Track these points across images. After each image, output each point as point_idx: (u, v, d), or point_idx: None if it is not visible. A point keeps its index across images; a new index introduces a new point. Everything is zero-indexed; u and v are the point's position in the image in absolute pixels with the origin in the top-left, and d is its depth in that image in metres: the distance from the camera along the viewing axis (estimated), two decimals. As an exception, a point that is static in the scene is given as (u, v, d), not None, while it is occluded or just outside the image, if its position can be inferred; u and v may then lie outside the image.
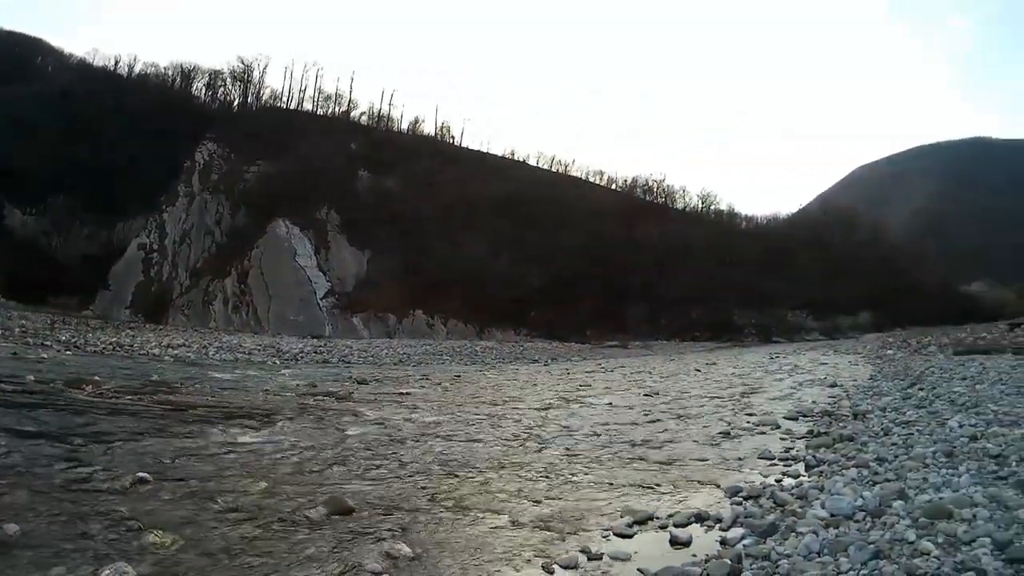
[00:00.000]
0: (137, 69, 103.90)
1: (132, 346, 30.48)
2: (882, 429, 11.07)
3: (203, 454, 9.60)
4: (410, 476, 9.07)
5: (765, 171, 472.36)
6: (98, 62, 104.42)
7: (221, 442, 10.60)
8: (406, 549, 6.19)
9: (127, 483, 7.58)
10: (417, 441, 11.58)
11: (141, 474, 7.90)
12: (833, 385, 19.86)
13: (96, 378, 16.71)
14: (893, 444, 9.70)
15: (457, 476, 9.17)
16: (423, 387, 21.40)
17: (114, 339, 33.58)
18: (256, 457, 9.71)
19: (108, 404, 13.56)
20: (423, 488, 8.45)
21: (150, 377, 19.35)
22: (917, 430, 10.50)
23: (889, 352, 33.50)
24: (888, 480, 7.66)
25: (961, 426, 10.17)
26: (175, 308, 62.71)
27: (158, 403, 14.15)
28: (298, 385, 20.20)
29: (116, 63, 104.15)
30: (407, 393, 19.27)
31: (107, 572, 4.87)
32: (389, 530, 6.74)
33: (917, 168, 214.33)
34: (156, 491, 7.48)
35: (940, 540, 5.50)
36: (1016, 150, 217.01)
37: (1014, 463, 7.59)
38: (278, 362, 29.85)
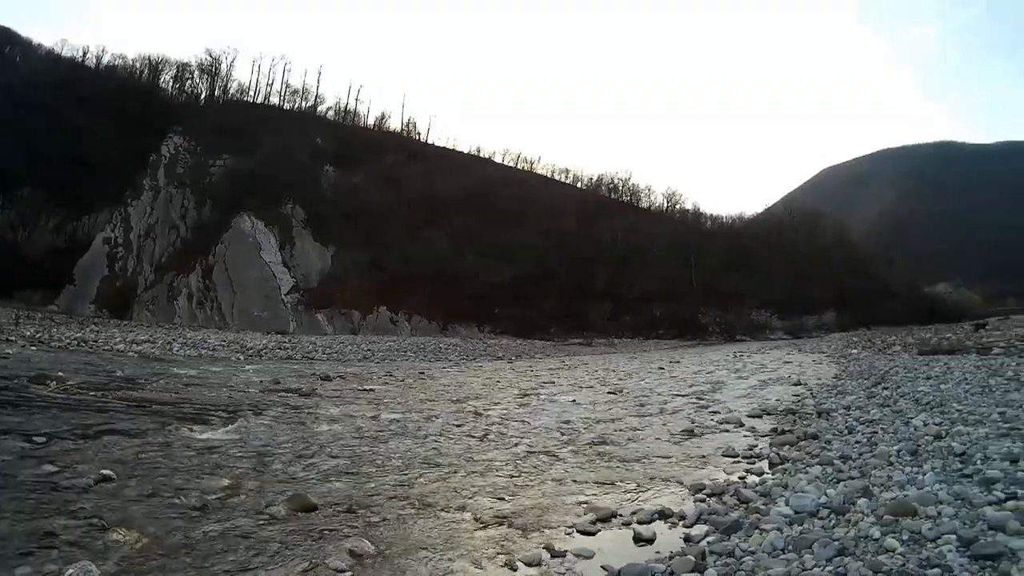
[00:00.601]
0: (105, 61, 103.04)
1: (97, 342, 30.13)
2: (846, 427, 11.10)
3: (166, 451, 9.47)
4: (373, 473, 8.97)
5: (731, 171, 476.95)
6: (66, 53, 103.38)
7: (184, 439, 10.46)
8: (370, 547, 6.12)
9: (91, 481, 7.46)
10: (380, 438, 11.48)
11: (105, 471, 7.78)
12: (797, 384, 19.96)
13: (60, 374, 16.44)
14: (857, 442, 9.70)
15: (420, 473, 9.07)
16: (387, 384, 21.29)
17: (79, 334, 33.14)
18: (219, 454, 9.58)
19: (72, 401, 13.36)
20: (386, 485, 8.35)
21: (114, 373, 19.10)
22: (881, 428, 10.51)
23: (854, 352, 33.75)
24: (852, 478, 7.65)
25: (926, 424, 10.18)
26: (140, 303, 62.07)
27: (122, 399, 13.94)
28: (262, 381, 20.02)
29: (84, 54, 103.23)
30: (371, 390, 19.16)
31: (72, 571, 4.75)
32: (353, 527, 6.65)
33: (882, 171, 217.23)
34: (120, 488, 7.36)
35: (905, 537, 5.47)
36: (981, 154, 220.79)
37: (979, 461, 7.58)
38: (242, 358, 29.62)
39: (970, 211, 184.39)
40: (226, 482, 7.97)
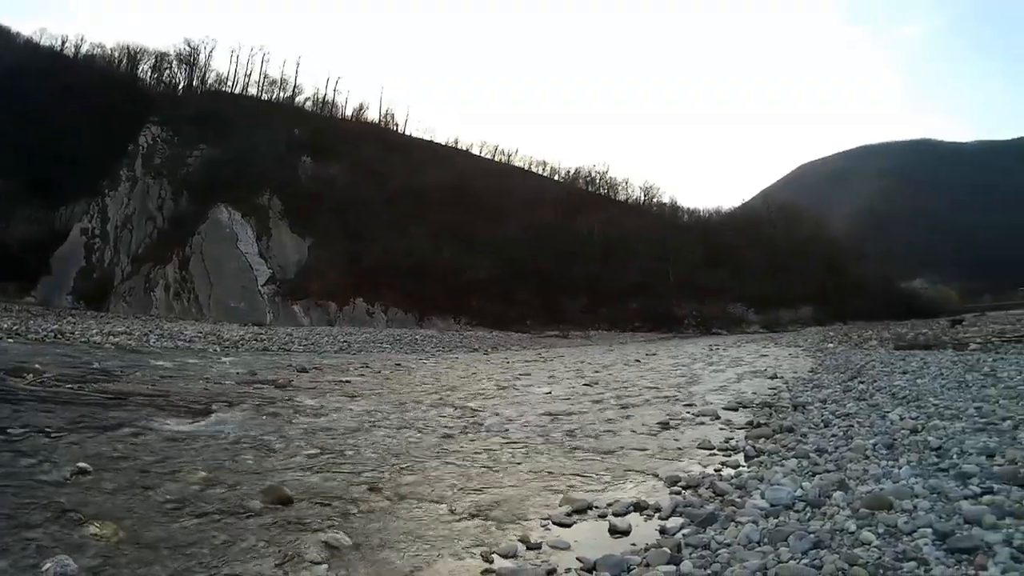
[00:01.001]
0: (84, 50, 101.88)
1: (74, 333, 29.91)
2: (822, 421, 11.12)
3: (143, 443, 9.37)
4: (349, 465, 8.92)
5: (710, 166, 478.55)
6: (45, 42, 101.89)
7: (161, 431, 10.34)
8: (345, 539, 6.07)
9: (68, 474, 7.38)
10: (356, 430, 11.42)
11: (82, 464, 7.69)
12: (773, 377, 20.02)
13: (37, 366, 16.25)
14: (833, 436, 9.72)
15: (396, 465, 9.02)
16: (363, 375, 21.23)
17: (55, 326, 32.90)
18: (195, 446, 9.49)
19: (49, 393, 13.19)
20: (362, 477, 8.31)
21: (91, 365, 18.94)
22: (857, 422, 10.54)
23: (830, 346, 33.94)
24: (828, 471, 7.65)
25: (902, 419, 10.21)
26: (117, 295, 61.56)
27: (99, 392, 13.81)
28: (238, 373, 19.92)
29: (63, 44, 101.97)
30: (347, 381, 19.10)
31: (49, 565, 4.68)
32: (328, 520, 6.61)
33: (861, 168, 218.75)
34: (97, 482, 7.28)
35: (881, 530, 5.46)
36: (960, 153, 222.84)
37: (955, 456, 7.60)
38: (218, 349, 29.48)
39: (947, 209, 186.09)
40: (202, 474, 7.89)
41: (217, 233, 62.71)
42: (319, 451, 9.65)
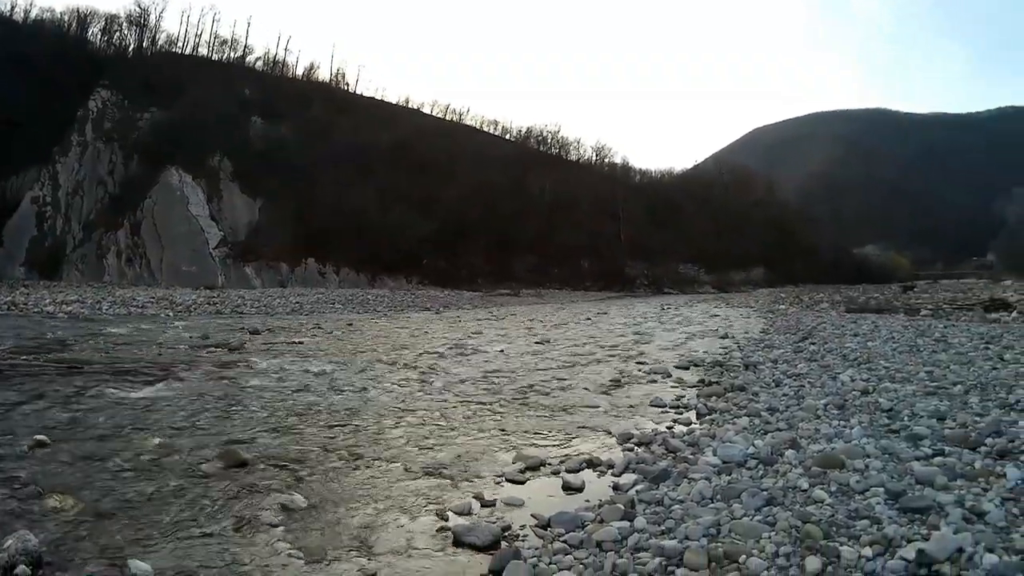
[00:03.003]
0: (33, 15, 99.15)
1: (27, 304, 29.47)
2: (773, 380, 11.23)
3: (99, 412, 9.22)
4: (304, 426, 8.86)
5: (662, 127, 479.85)
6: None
7: (116, 398, 10.22)
8: (301, 500, 6.02)
9: (26, 447, 7.27)
10: (310, 390, 11.35)
11: (39, 437, 7.57)
12: (725, 337, 20.19)
13: (-9, 340, 16.07)
14: (784, 395, 9.81)
15: (350, 425, 8.97)
16: (315, 336, 21.09)
17: (8, 298, 32.32)
18: (150, 412, 9.37)
19: (4, 366, 13.04)
20: (317, 438, 8.26)
21: (45, 336, 18.74)
22: (808, 382, 10.65)
23: (781, 307, 34.36)
24: (780, 429, 7.71)
25: (853, 380, 10.33)
26: (69, 263, 60.15)
27: (53, 362, 13.65)
28: (191, 337, 19.68)
29: (12, 9, 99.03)
30: (300, 342, 18.96)
31: (10, 541, 4.53)
32: (284, 481, 6.55)
33: (814, 133, 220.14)
34: (55, 453, 7.19)
35: (833, 489, 5.49)
36: (916, 124, 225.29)
37: (906, 418, 7.69)
38: (171, 315, 29.17)
39: (900, 178, 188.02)
40: (158, 440, 7.81)
41: (168, 197, 61.41)
42: (273, 413, 9.57)
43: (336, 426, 8.89)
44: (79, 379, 11.76)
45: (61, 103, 68.82)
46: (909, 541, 4.25)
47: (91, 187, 64.83)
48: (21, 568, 4.28)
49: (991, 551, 3.98)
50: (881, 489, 5.29)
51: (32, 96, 69.97)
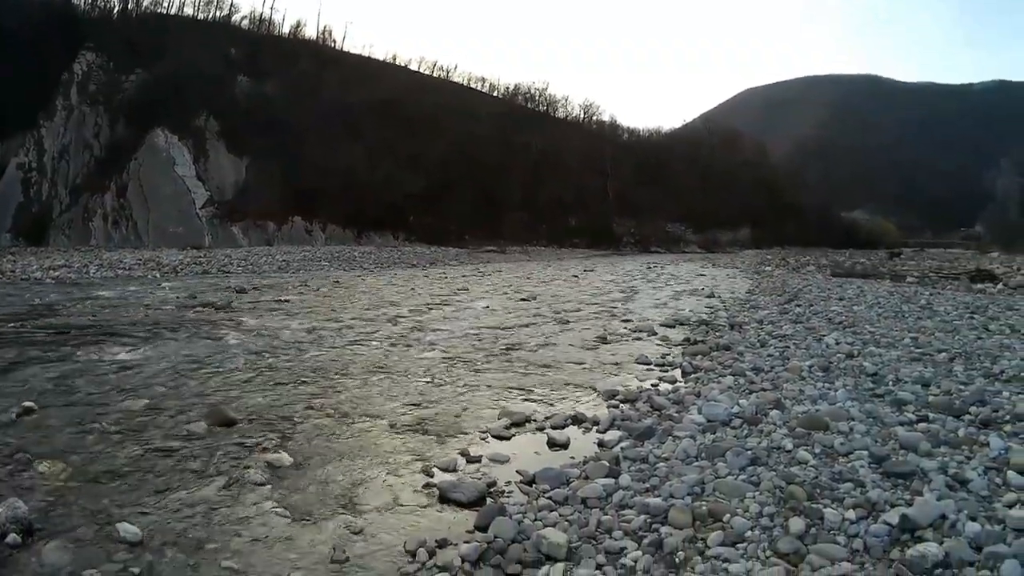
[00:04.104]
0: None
1: (14, 271, 29.11)
2: (759, 341, 11.26)
3: (86, 376, 9.13)
4: (290, 384, 8.83)
5: (650, 86, 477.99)
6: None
7: (104, 362, 10.10)
8: (287, 458, 6.01)
9: (14, 415, 7.17)
10: (297, 348, 11.31)
11: (27, 403, 7.48)
12: (711, 296, 20.25)
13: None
14: (769, 355, 9.84)
15: (337, 382, 8.97)
16: (302, 294, 20.98)
17: (-6, 266, 32.18)
18: (138, 374, 9.28)
19: None
20: (304, 396, 8.23)
21: (32, 302, 18.48)
22: (793, 344, 10.69)
23: (767, 268, 34.47)
24: (765, 390, 7.74)
25: (838, 343, 10.39)
26: (56, 228, 59.45)
27: (40, 328, 13.50)
28: (178, 298, 19.45)
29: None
30: (286, 300, 18.84)
31: (0, 510, 4.51)
32: (270, 440, 6.52)
33: (805, 96, 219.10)
34: (43, 419, 7.12)
35: (817, 451, 5.53)
36: (907, 92, 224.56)
37: (890, 383, 7.73)
38: (158, 276, 28.91)
39: (891, 145, 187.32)
40: (145, 402, 7.76)
41: (154, 158, 60.72)
42: (260, 372, 9.53)
43: (322, 384, 8.88)
44: (67, 344, 11.66)
45: (46, 68, 67.93)
46: (892, 506, 4.29)
47: (77, 151, 64.10)
48: (12, 536, 4.27)
49: (974, 519, 4.02)
50: (865, 452, 5.34)
51: (16, 61, 68.91)
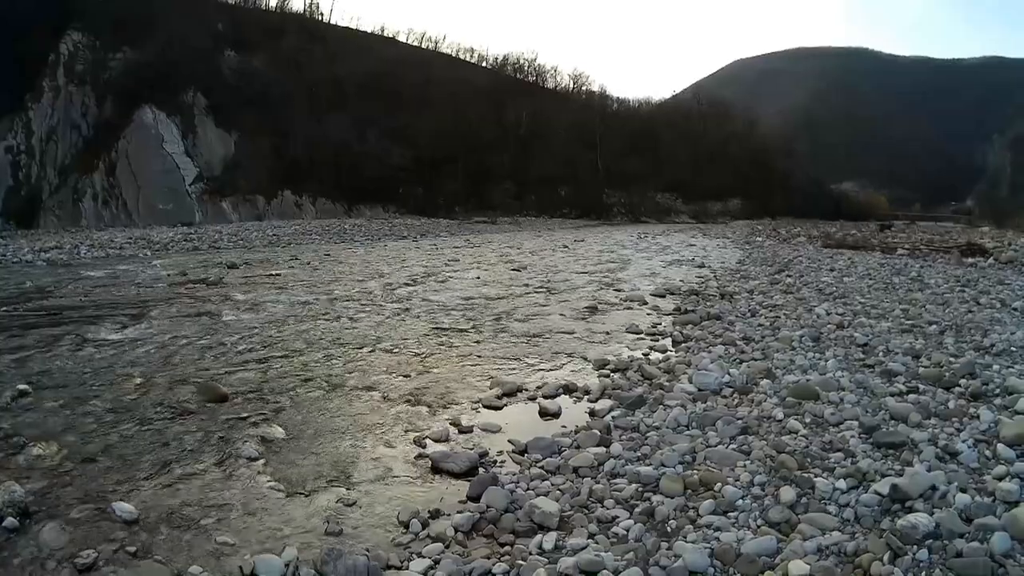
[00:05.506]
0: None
1: (5, 255, 28.95)
2: (749, 310, 11.28)
3: (79, 357, 9.07)
4: (283, 358, 8.80)
5: (640, 56, 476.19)
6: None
7: (96, 342, 10.01)
8: (280, 432, 6.02)
9: (8, 398, 7.12)
10: (288, 322, 11.25)
11: (21, 386, 7.42)
12: (701, 266, 20.25)
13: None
14: (760, 325, 9.87)
15: (328, 355, 8.95)
16: (293, 268, 20.85)
17: (-16, 250, 31.97)
18: (131, 353, 9.23)
19: None
20: (295, 369, 8.22)
21: (24, 284, 18.36)
22: (784, 314, 10.70)
23: (758, 239, 34.47)
24: (755, 359, 7.77)
25: (828, 314, 10.41)
26: (46, 210, 59.04)
27: (33, 311, 13.34)
28: (169, 275, 19.31)
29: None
30: (278, 274, 18.69)
31: None
32: (263, 414, 6.53)
33: (796, 68, 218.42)
34: (37, 402, 7.07)
35: (808, 420, 5.56)
36: (898, 65, 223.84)
37: (881, 354, 7.75)
38: (149, 254, 28.70)
39: (883, 118, 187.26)
40: (138, 380, 7.73)
41: (143, 136, 60.26)
42: (252, 346, 9.51)
43: (314, 356, 8.87)
44: (59, 325, 11.55)
45: (32, 49, 67.43)
46: (883, 476, 4.31)
47: (65, 132, 63.57)
48: (9, 520, 4.26)
49: (963, 491, 4.04)
50: (855, 423, 5.38)
51: (2, 44, 68.45)
